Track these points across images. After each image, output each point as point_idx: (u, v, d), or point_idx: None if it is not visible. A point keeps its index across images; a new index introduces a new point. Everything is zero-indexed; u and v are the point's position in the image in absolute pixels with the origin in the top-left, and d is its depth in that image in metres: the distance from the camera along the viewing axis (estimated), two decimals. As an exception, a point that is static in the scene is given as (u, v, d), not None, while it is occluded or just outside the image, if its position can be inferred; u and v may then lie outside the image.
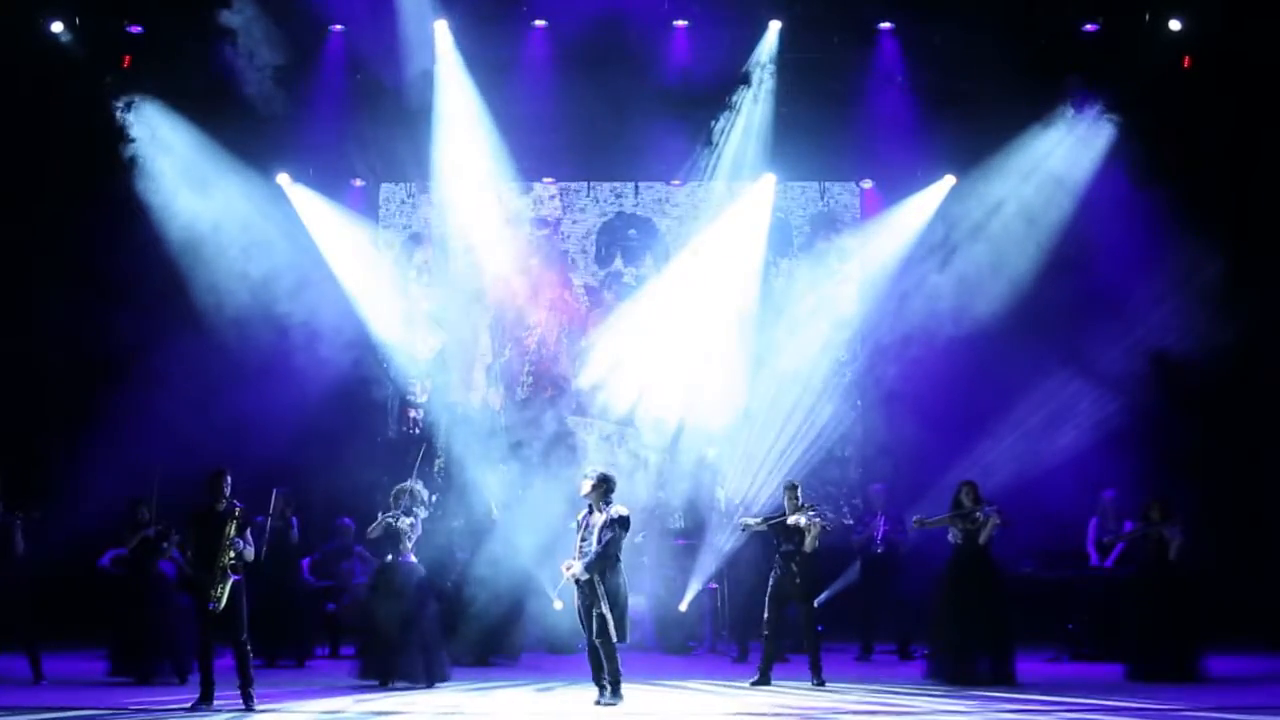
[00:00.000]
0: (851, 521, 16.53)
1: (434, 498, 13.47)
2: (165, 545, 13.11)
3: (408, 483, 12.93)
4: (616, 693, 11.11)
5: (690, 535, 15.87)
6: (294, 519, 14.66)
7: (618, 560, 11.25)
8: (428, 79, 16.66)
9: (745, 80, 17.02)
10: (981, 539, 12.80)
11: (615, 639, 11.08)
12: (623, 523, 11.24)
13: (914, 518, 13.24)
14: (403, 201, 18.33)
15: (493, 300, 18.31)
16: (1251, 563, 15.56)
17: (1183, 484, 14.33)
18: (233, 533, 11.14)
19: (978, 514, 12.78)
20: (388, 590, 12.72)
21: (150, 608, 12.96)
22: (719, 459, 16.66)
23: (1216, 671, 12.90)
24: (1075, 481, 15.44)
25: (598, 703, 11.11)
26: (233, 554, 11.10)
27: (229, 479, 11.33)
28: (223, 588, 11.05)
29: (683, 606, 15.43)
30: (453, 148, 17.11)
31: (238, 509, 11.25)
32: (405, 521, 12.69)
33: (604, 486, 11.35)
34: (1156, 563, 13.20)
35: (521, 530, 14.57)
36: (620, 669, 11.15)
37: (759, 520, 13.26)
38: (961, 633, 12.68)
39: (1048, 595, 14.79)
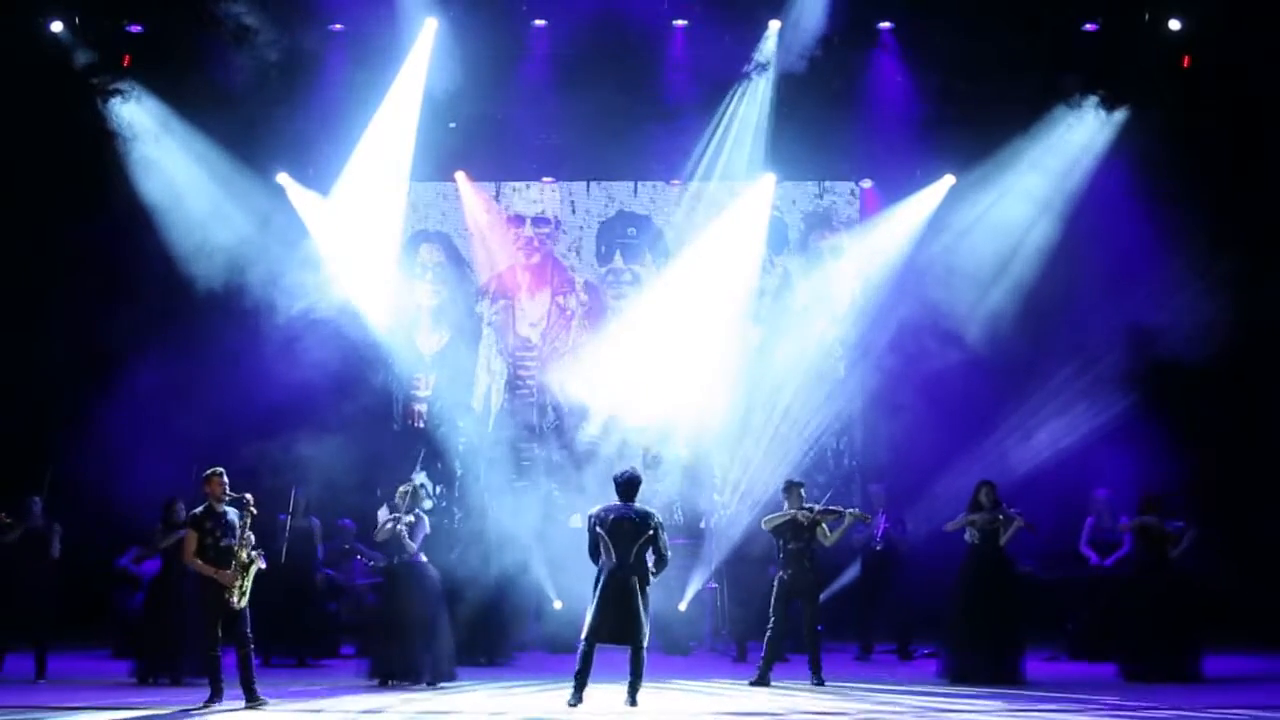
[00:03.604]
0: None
1: (439, 489, 13.44)
2: None
3: (412, 483, 12.89)
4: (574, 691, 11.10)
5: (690, 535, 15.87)
6: (314, 518, 14.63)
7: (596, 561, 11.30)
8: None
9: (744, 80, 17.03)
10: (1002, 540, 12.82)
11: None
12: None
13: (946, 525, 13.21)
14: (407, 200, 18.34)
15: (494, 298, 18.38)
16: (1248, 562, 15.56)
17: (1181, 482, 14.35)
18: (250, 528, 11.19)
19: (999, 515, 12.79)
20: (399, 592, 12.66)
21: (183, 608, 12.85)
22: (713, 458, 16.67)
23: (1213, 671, 12.90)
24: (1074, 479, 15.43)
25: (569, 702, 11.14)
26: (250, 549, 11.14)
27: (226, 478, 11.36)
28: (247, 583, 11.10)
29: (682, 606, 15.43)
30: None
31: (250, 502, 11.27)
32: (409, 520, 12.65)
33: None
34: (1154, 560, 13.18)
35: (518, 529, 14.56)
36: (578, 667, 11.06)
37: (786, 515, 12.92)
38: (976, 631, 12.71)
39: (1047, 595, 14.81)
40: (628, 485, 11.35)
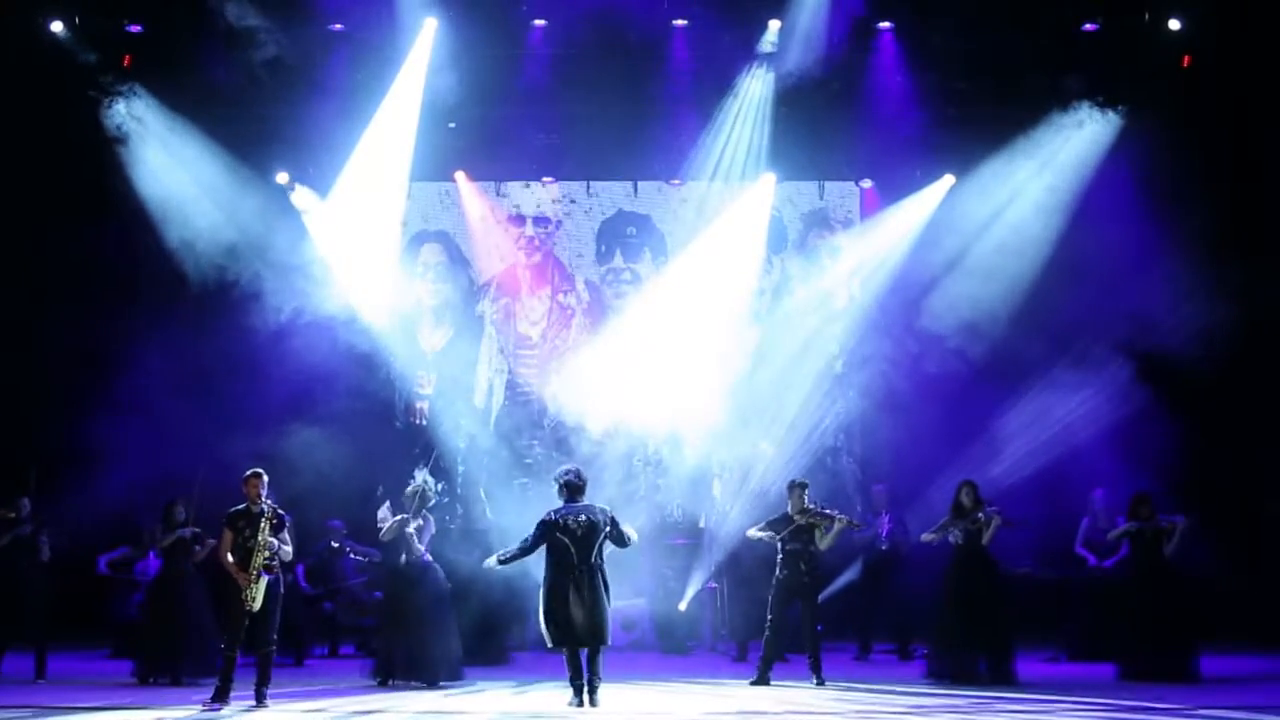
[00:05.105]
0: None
1: (440, 486, 13.45)
2: (199, 549, 13.10)
3: (418, 484, 12.89)
4: (574, 694, 11.11)
5: (690, 535, 15.88)
6: (286, 515, 14.60)
7: (546, 564, 11.22)
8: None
9: (745, 79, 17.03)
10: (984, 539, 12.82)
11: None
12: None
13: (922, 535, 13.23)
14: (407, 200, 18.37)
15: (495, 297, 18.42)
16: (1247, 561, 15.57)
17: (1179, 483, 14.35)
18: (268, 533, 11.20)
19: (979, 515, 12.79)
20: (407, 591, 12.68)
21: (184, 608, 12.91)
22: (713, 457, 16.67)
23: (1211, 671, 12.89)
24: (1075, 479, 15.43)
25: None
26: (268, 554, 11.16)
27: (265, 479, 11.39)
28: (258, 588, 11.13)
29: (682, 606, 15.44)
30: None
31: (271, 509, 11.30)
32: (417, 523, 12.66)
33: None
34: (1149, 561, 13.19)
35: (518, 527, 14.55)
36: (570, 672, 11.09)
37: (766, 530, 12.95)
38: (963, 632, 12.71)
39: (1046, 595, 14.81)
40: (577, 486, 11.36)
